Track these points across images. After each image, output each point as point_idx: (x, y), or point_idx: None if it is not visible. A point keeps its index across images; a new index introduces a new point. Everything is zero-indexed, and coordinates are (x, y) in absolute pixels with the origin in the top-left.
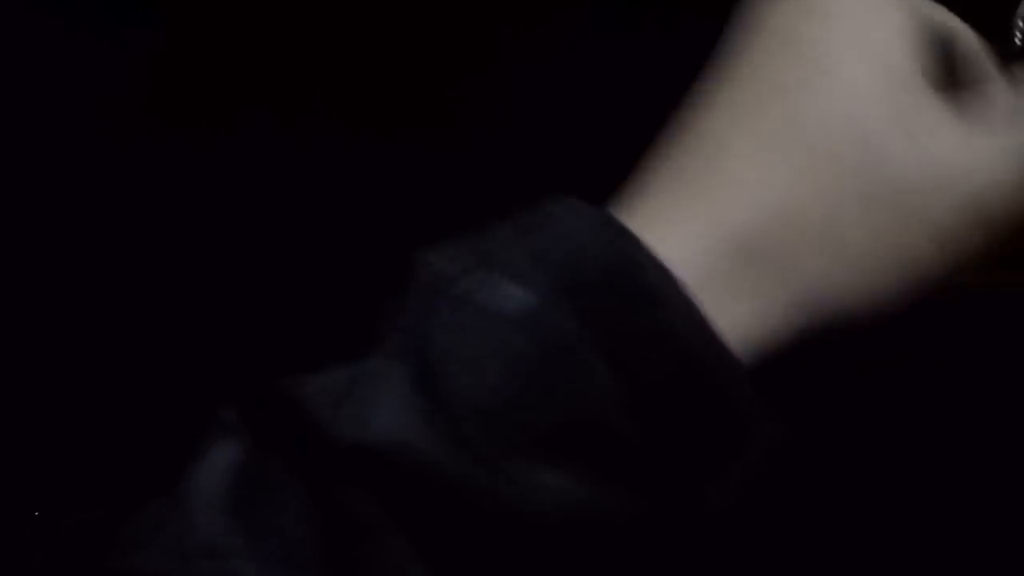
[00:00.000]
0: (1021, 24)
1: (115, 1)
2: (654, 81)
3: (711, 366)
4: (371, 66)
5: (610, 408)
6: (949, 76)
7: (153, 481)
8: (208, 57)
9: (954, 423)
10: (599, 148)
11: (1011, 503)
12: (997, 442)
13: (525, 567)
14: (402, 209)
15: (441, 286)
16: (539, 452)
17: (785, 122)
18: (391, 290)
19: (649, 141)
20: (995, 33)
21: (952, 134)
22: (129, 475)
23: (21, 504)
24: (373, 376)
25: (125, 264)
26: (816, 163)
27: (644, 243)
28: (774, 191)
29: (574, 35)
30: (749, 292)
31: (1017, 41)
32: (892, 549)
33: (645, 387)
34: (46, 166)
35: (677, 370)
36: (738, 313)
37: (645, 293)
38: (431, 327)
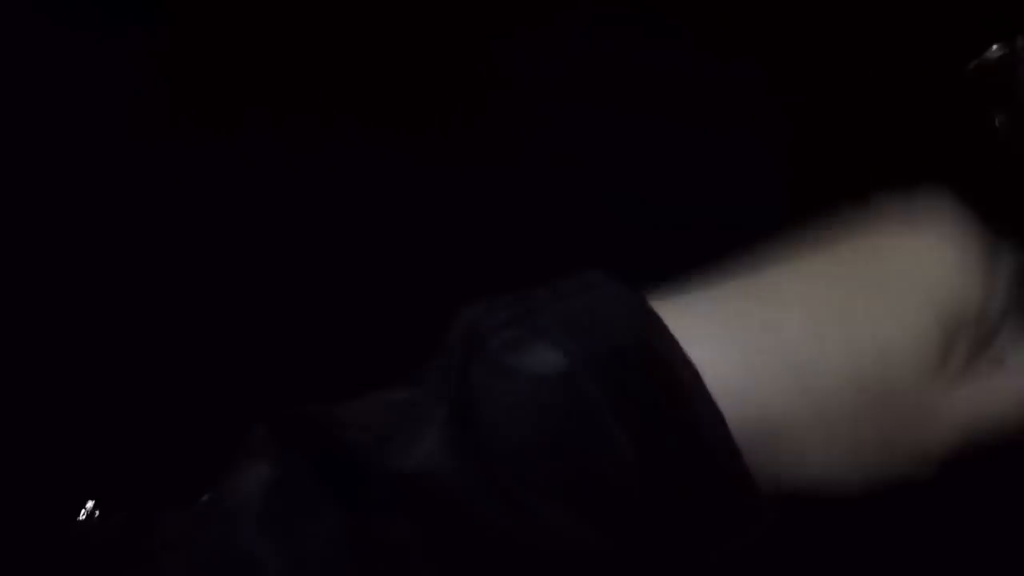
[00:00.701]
0: None
1: (115, 1)
2: (654, 81)
3: (719, 452)
4: (371, 66)
5: (619, 467)
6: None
7: (169, 487)
8: (209, 57)
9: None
10: (599, 148)
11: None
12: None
13: None
14: (403, 209)
15: (479, 338)
16: (550, 494)
17: (840, 309)
18: (427, 335)
19: (648, 142)
20: None
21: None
22: (134, 478)
23: (27, 507)
24: (416, 412)
25: (125, 265)
26: (841, 367)
27: (670, 330)
28: (800, 358)
29: (574, 35)
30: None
31: None
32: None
33: (655, 456)
34: (44, 166)
35: (685, 448)
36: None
37: (665, 377)
38: (469, 374)
